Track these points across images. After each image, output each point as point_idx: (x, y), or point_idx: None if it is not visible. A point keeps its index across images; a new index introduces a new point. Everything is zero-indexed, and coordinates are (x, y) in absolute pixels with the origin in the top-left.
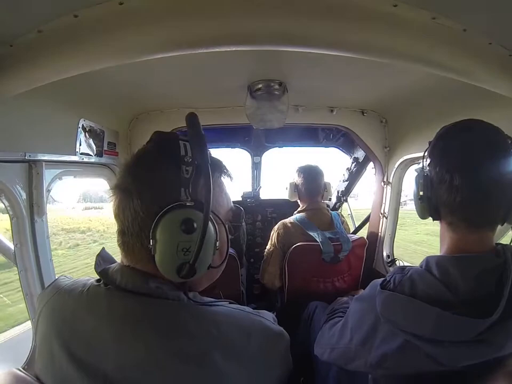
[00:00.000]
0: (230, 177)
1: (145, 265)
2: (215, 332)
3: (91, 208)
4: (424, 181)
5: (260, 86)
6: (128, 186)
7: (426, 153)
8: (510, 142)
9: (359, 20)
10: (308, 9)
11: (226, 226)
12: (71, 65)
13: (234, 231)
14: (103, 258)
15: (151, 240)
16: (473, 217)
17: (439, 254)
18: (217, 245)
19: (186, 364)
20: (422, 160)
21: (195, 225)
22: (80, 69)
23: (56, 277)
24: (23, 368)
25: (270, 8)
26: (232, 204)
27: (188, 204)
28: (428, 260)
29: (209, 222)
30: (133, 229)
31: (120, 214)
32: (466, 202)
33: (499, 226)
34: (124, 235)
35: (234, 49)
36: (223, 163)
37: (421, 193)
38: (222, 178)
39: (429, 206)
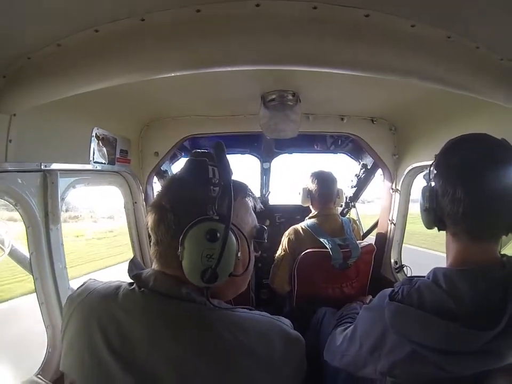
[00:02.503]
0: (254, 198)
1: (174, 270)
2: (240, 336)
3: None
4: (429, 192)
5: (274, 96)
6: (164, 204)
7: (432, 166)
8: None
9: (378, 41)
10: (326, 30)
11: (250, 241)
12: (89, 80)
13: (259, 247)
14: (134, 265)
15: (180, 247)
16: (476, 229)
17: (445, 266)
18: (238, 255)
19: (214, 364)
20: (428, 173)
21: (218, 235)
22: (99, 83)
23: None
24: (38, 375)
25: (292, 30)
26: (256, 223)
27: (213, 217)
28: (435, 272)
29: (231, 234)
30: (165, 239)
31: (155, 227)
32: (468, 215)
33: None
34: (158, 245)
35: (255, 68)
36: (248, 186)
37: (427, 204)
38: (246, 199)
39: (434, 217)
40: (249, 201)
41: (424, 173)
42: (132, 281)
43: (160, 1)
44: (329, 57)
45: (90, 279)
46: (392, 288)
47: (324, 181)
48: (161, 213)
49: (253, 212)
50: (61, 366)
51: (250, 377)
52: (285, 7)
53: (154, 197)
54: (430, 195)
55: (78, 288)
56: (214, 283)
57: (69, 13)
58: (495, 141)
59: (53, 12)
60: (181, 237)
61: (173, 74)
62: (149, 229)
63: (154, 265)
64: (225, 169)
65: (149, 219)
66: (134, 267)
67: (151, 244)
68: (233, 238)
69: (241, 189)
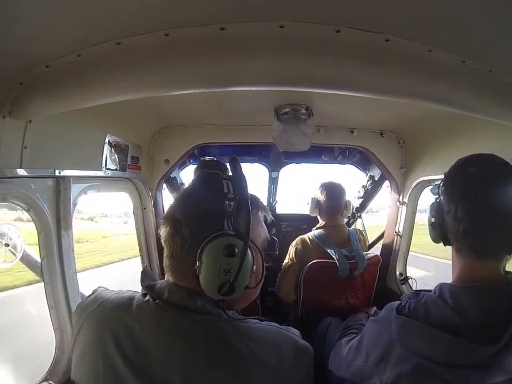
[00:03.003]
0: (266, 210)
1: (188, 283)
2: (253, 347)
3: None
4: (436, 208)
5: (287, 109)
6: (178, 217)
7: (441, 183)
8: None
9: (397, 65)
10: (348, 54)
11: (263, 254)
12: (107, 92)
13: (269, 259)
14: (146, 275)
15: (197, 262)
16: (478, 247)
17: (451, 282)
18: (253, 268)
19: (227, 375)
20: (438, 190)
21: (236, 250)
22: (116, 96)
23: (80, 290)
24: (46, 379)
25: (313, 53)
26: (268, 235)
27: (229, 233)
28: (441, 287)
29: (248, 248)
30: (181, 253)
31: (170, 240)
32: (468, 233)
33: None
34: (172, 258)
35: (263, 89)
36: (260, 200)
37: (433, 219)
38: (259, 213)
39: (439, 232)
40: (260, 213)
41: (431, 187)
42: (144, 291)
43: (186, 18)
44: (349, 80)
45: (100, 287)
46: (399, 302)
47: (333, 192)
48: (175, 226)
49: (264, 224)
50: (72, 375)
51: None
52: (309, 29)
53: (167, 208)
54: (436, 211)
55: (88, 297)
56: (231, 296)
57: (92, 24)
58: (500, 161)
59: (75, 22)
60: (198, 252)
61: (192, 92)
62: (163, 241)
63: (168, 277)
64: (242, 185)
65: (163, 231)
66: (146, 277)
67: (165, 256)
68: (249, 252)
69: (254, 203)
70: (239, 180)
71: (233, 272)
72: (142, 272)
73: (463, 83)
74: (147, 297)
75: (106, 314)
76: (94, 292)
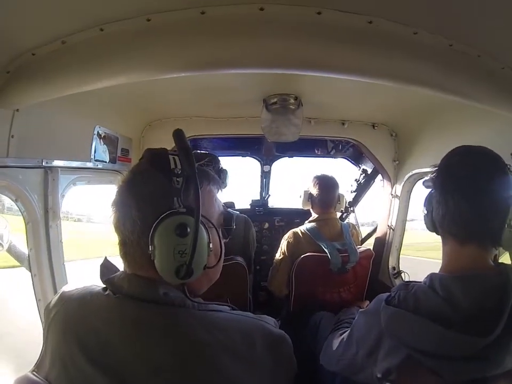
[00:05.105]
0: (219, 184)
1: (147, 271)
2: (222, 338)
3: None
4: (429, 197)
5: (276, 100)
6: (126, 201)
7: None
8: (499, 168)
9: (381, 47)
10: (329, 36)
11: (219, 230)
12: (93, 78)
13: (227, 234)
14: (106, 268)
15: (150, 247)
16: (455, 232)
17: (440, 271)
18: (210, 246)
19: (197, 368)
20: (429, 179)
21: (188, 229)
22: (102, 82)
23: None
24: (33, 371)
25: (295, 35)
26: (223, 209)
27: (180, 210)
28: (431, 277)
29: (201, 226)
30: (133, 238)
31: (120, 226)
32: (445, 217)
33: None
34: (125, 245)
35: (257, 71)
36: (211, 172)
37: (425, 207)
38: (211, 186)
39: (430, 219)
40: (212, 186)
41: (424, 179)
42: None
43: (166, 2)
44: (332, 62)
45: (65, 287)
46: (389, 293)
47: (326, 185)
48: (125, 210)
49: (218, 198)
50: (48, 380)
51: (234, 377)
52: (289, 11)
53: (115, 193)
54: (428, 199)
55: (54, 297)
56: (190, 279)
57: (75, 11)
58: (487, 153)
59: (58, 9)
60: (149, 235)
61: (175, 75)
62: (114, 228)
63: (125, 268)
64: (188, 159)
65: (112, 218)
66: (106, 271)
67: (118, 244)
68: (203, 229)
69: (204, 176)
70: (184, 154)
71: (188, 253)
72: (101, 265)
73: (451, 67)
74: (107, 292)
75: (69, 315)
76: (58, 292)
